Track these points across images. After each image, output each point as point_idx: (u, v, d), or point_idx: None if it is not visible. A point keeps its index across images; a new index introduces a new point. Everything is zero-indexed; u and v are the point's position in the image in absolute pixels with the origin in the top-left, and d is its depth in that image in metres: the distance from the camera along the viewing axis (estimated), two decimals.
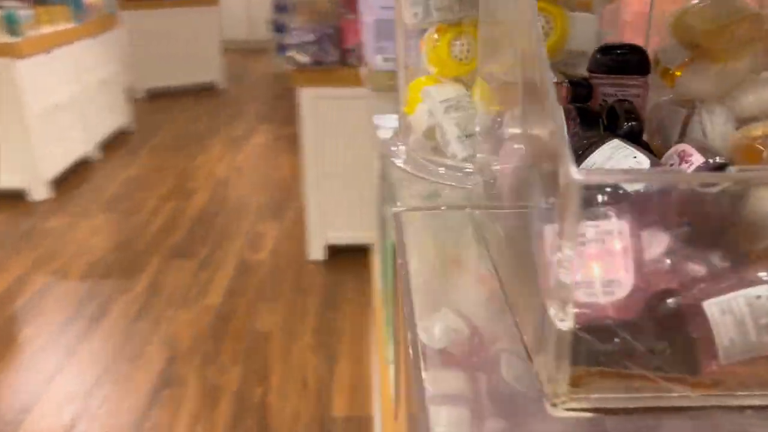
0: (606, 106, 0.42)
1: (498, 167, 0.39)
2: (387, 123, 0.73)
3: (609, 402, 0.29)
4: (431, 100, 0.58)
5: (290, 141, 4.40)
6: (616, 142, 0.36)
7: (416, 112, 0.60)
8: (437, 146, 0.60)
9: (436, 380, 0.46)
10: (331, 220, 2.67)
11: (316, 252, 2.74)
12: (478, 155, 0.46)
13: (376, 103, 0.92)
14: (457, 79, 0.59)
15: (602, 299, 0.27)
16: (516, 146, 0.36)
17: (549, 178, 0.29)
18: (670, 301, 0.28)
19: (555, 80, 0.44)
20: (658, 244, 0.29)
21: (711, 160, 0.34)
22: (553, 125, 0.27)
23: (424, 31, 0.62)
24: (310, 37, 2.49)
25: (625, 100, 0.42)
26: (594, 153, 0.36)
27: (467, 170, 0.58)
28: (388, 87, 0.85)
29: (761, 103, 0.38)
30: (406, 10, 0.55)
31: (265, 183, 3.69)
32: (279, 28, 6.21)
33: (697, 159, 0.34)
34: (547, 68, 0.29)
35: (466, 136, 0.56)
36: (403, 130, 0.64)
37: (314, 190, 2.62)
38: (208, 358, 2.11)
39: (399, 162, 0.61)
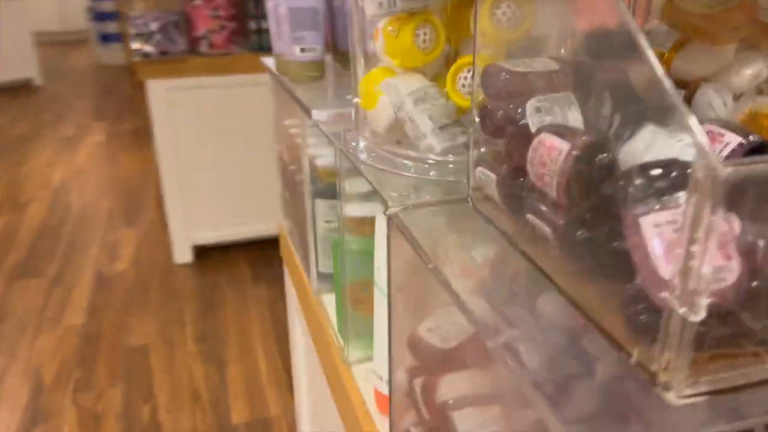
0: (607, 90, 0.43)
1: (529, 160, 0.38)
2: (323, 117, 0.70)
3: (720, 383, 0.29)
4: (397, 93, 0.56)
5: (131, 137, 4.11)
6: (652, 128, 0.37)
7: (378, 106, 0.57)
8: (401, 140, 0.59)
9: (461, 382, 0.45)
10: (196, 220, 2.54)
11: (183, 255, 2.59)
12: (481, 149, 0.45)
13: (284, 95, 0.88)
14: (416, 70, 0.57)
15: (717, 286, 0.28)
16: (561, 139, 0.36)
17: (658, 169, 0.29)
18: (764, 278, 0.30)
19: (552, 68, 0.44)
20: (733, 224, 0.30)
21: (745, 141, 0.36)
22: (683, 116, 0.26)
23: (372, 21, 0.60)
24: (154, 25, 2.32)
25: (625, 85, 0.43)
26: (633, 140, 0.37)
27: (430, 161, 0.58)
28: (308, 78, 0.81)
29: (752, 79, 0.41)
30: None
31: (112, 185, 3.41)
32: (98, 16, 5.73)
33: (732, 138, 0.36)
34: (651, 52, 0.29)
35: (440, 128, 0.55)
36: (359, 125, 0.62)
37: (174, 188, 2.46)
38: (81, 383, 1.93)
39: (363, 156, 0.59)
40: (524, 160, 0.40)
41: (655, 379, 0.30)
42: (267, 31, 2.41)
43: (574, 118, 0.40)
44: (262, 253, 2.68)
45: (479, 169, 0.46)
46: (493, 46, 0.53)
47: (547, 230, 0.38)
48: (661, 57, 0.44)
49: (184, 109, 2.36)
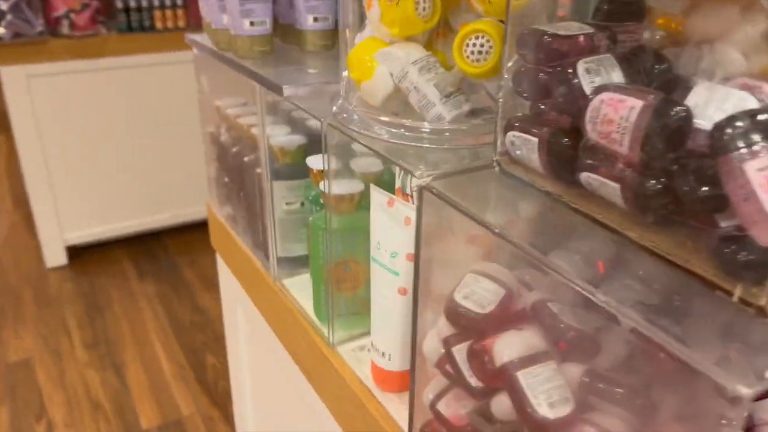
0: (633, 52, 0.45)
1: (590, 123, 0.39)
2: (297, 93, 0.67)
3: None
4: (398, 62, 0.54)
5: None
6: (706, 83, 0.40)
7: (375, 77, 0.56)
8: (398, 111, 0.58)
9: (515, 344, 0.46)
10: (68, 218, 2.34)
11: (55, 257, 2.37)
12: (516, 114, 0.46)
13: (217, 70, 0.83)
14: (411, 39, 0.56)
15: None
16: (630, 96, 0.37)
17: (759, 116, 0.31)
18: None
19: (588, 31, 0.45)
20: None
21: None
22: None
23: None
24: (3, 4, 2.09)
25: (648, 47, 0.46)
26: (691, 95, 0.39)
27: (424, 131, 0.57)
28: (259, 54, 0.76)
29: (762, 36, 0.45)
30: None
31: None
32: None
33: None
34: None
35: (446, 97, 0.54)
36: (349, 97, 0.60)
37: (41, 186, 2.24)
38: None
39: (354, 127, 0.57)
40: (576, 120, 0.42)
41: (765, 312, 0.32)
42: (136, 9, 2.26)
43: (618, 77, 0.42)
44: (144, 247, 2.53)
45: (512, 133, 0.47)
46: (494, 13, 0.53)
47: (612, 186, 0.39)
48: (670, 21, 0.47)
49: (47, 97, 2.15)
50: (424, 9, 0.54)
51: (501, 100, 0.47)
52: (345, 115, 0.59)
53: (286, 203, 0.79)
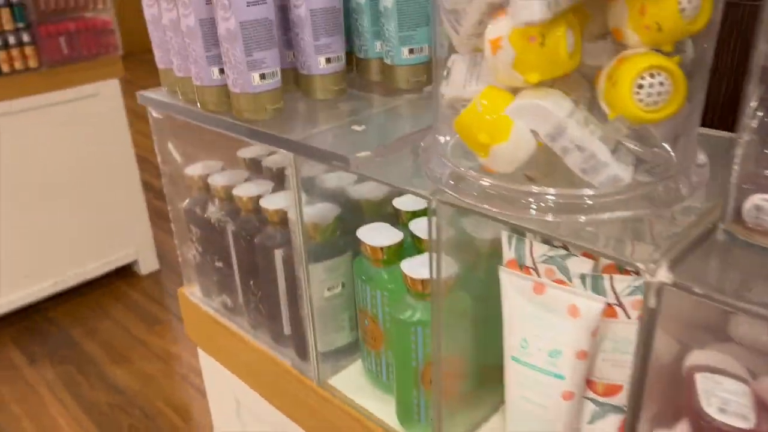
0: None
1: None
2: (365, 162, 0.52)
3: None
4: (546, 116, 0.42)
5: None
6: None
7: (513, 137, 0.43)
8: (535, 176, 0.46)
9: None
10: None
11: None
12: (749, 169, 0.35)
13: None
14: (542, 84, 0.44)
15: None
16: None
17: None
18: None
19: None
20: None
21: None
22: None
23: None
24: None
25: None
26: None
27: (552, 199, 0.46)
28: (273, 113, 0.60)
29: None
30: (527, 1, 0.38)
31: None
32: None
33: None
34: None
35: (614, 152, 0.43)
36: (458, 162, 0.47)
37: None
38: None
39: (473, 201, 0.45)
40: None
41: None
42: None
43: None
44: (28, 324, 2.18)
45: (760, 197, 0.36)
46: (660, 43, 0.43)
47: None
48: None
49: None
50: (570, 45, 0.42)
51: (740, 154, 0.37)
52: (454, 184, 0.46)
53: (327, 288, 0.64)
